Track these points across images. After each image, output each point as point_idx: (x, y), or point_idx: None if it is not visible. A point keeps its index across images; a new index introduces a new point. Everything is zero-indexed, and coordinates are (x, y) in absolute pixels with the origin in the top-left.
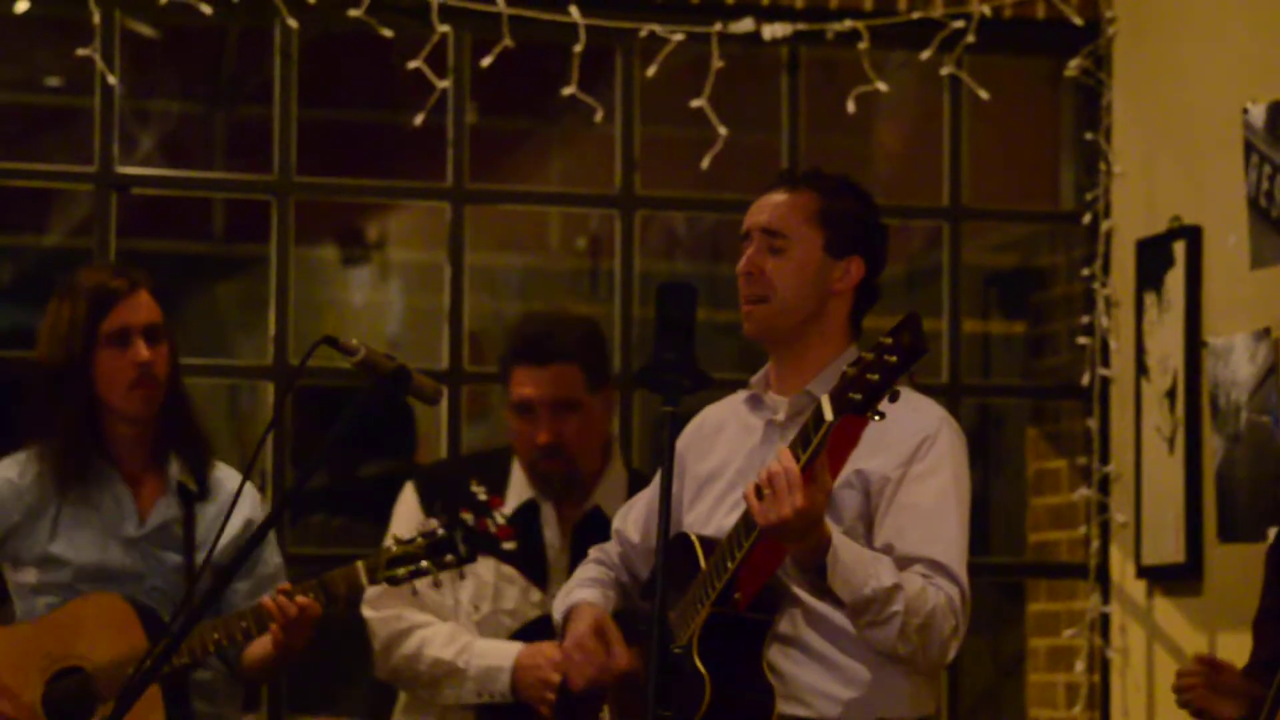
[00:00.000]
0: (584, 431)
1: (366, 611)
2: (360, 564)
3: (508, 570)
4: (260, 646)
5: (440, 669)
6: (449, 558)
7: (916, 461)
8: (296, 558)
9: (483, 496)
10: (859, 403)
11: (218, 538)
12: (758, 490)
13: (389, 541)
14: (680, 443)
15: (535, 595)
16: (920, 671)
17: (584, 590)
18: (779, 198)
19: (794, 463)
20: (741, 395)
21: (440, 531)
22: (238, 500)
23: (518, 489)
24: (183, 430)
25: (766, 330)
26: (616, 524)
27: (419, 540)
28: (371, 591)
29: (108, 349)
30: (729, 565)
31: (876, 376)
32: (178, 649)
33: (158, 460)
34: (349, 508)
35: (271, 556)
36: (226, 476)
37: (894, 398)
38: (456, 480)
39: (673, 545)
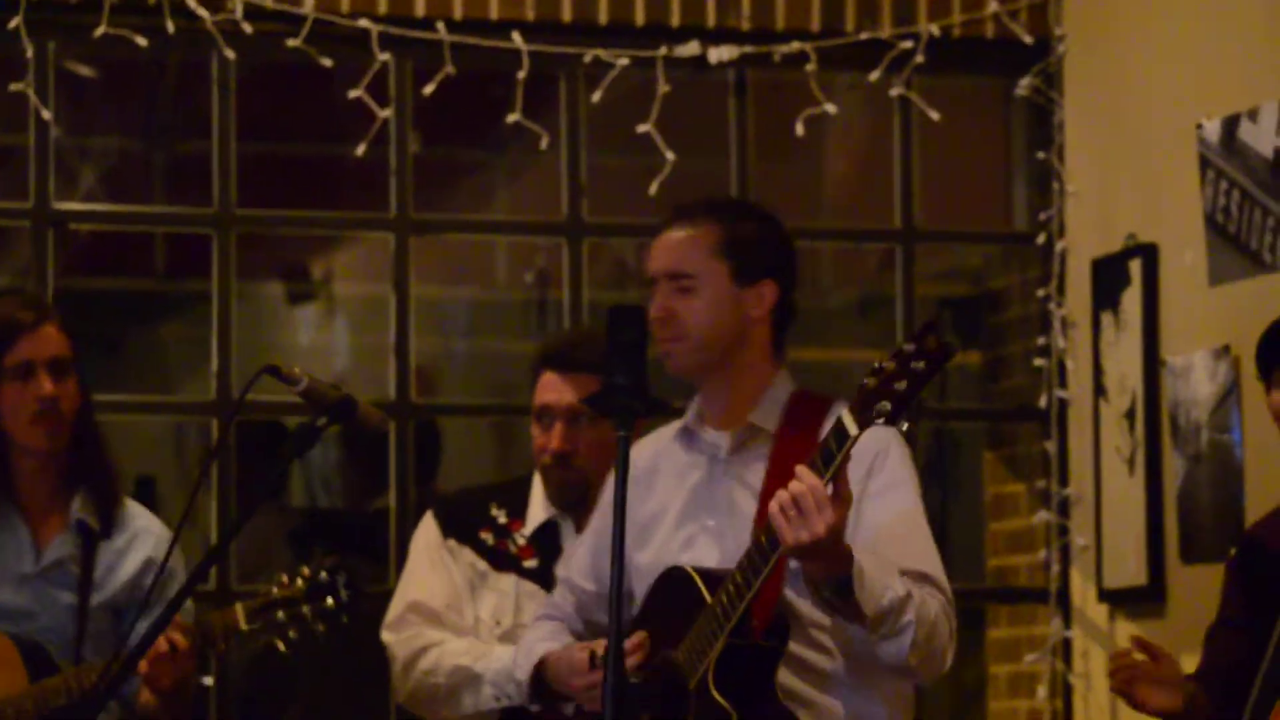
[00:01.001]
0: (599, 446)
1: (386, 636)
2: (239, 606)
3: (528, 585)
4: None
5: (458, 676)
6: (329, 601)
7: (873, 477)
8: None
9: (503, 520)
10: (888, 413)
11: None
12: (782, 511)
13: (273, 584)
14: (612, 482)
15: None
16: (924, 683)
17: (544, 644)
18: (678, 235)
19: (818, 480)
20: (668, 433)
21: (323, 575)
22: (140, 541)
23: (538, 510)
24: (90, 466)
25: (689, 368)
26: (562, 573)
27: (300, 584)
28: (391, 615)
29: (11, 382)
30: (745, 594)
31: (904, 385)
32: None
33: (61, 496)
34: (355, 544)
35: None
36: (135, 515)
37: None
38: (476, 506)
39: (666, 580)
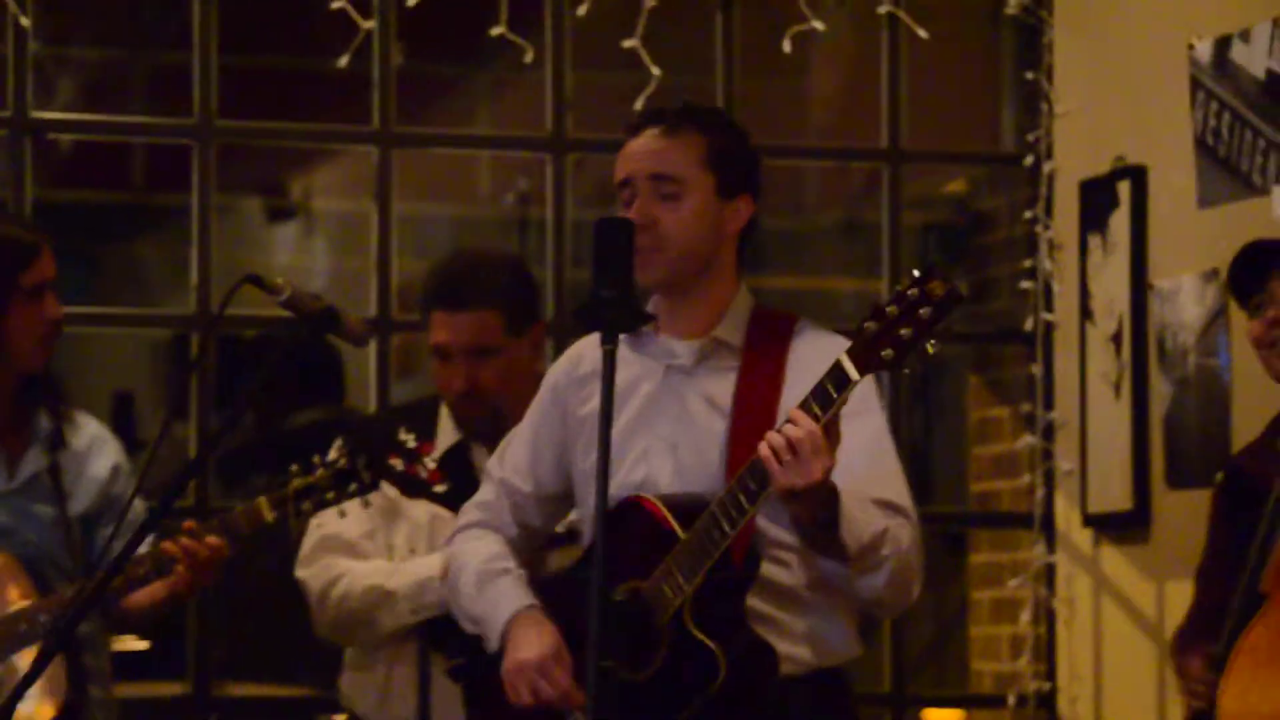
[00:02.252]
0: (505, 375)
1: (299, 572)
2: (263, 499)
3: (442, 511)
4: (148, 593)
5: (371, 596)
6: (353, 486)
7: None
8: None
9: (411, 444)
10: (890, 360)
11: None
12: (774, 455)
13: (292, 476)
14: (556, 382)
15: None
16: (892, 615)
17: (510, 587)
18: (662, 141)
19: (814, 424)
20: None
21: (343, 461)
22: (99, 447)
23: (447, 433)
24: (45, 380)
25: (663, 280)
26: (497, 473)
27: (321, 471)
28: (303, 549)
29: (23, 303)
30: (728, 530)
31: (909, 332)
32: (90, 604)
33: (23, 412)
34: (276, 462)
35: (138, 502)
36: (85, 421)
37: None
38: (384, 430)
39: (625, 509)
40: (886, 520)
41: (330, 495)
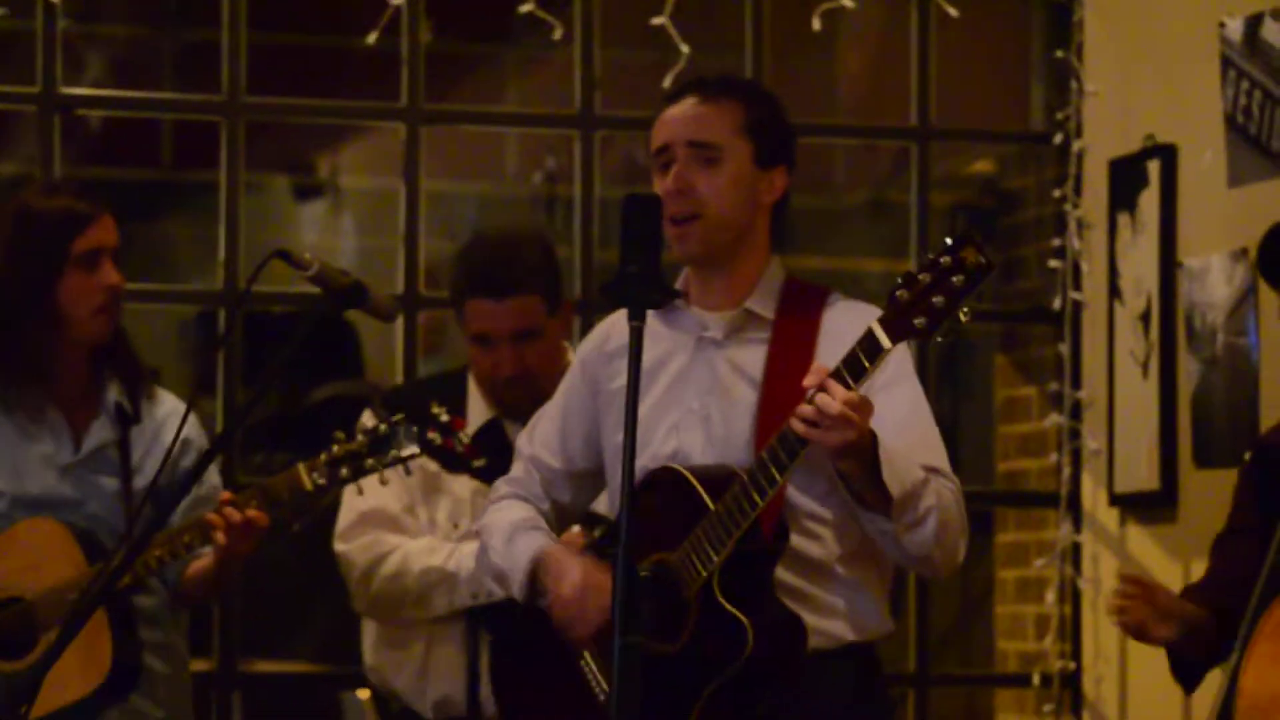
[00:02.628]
0: (546, 356)
1: (339, 546)
2: (302, 466)
3: (484, 487)
4: (200, 564)
5: (430, 577)
6: (394, 453)
7: (880, 371)
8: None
9: (444, 418)
10: (923, 328)
11: (166, 458)
12: (811, 424)
13: (332, 442)
14: (586, 358)
15: None
16: (941, 575)
17: (538, 537)
18: (701, 108)
19: (848, 393)
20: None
21: (383, 427)
22: (183, 420)
23: (477, 409)
24: (120, 353)
25: (703, 250)
26: (527, 450)
27: (361, 438)
28: (341, 524)
29: (77, 271)
30: (758, 500)
31: (941, 300)
32: (122, 571)
33: (95, 385)
34: (296, 441)
35: (209, 476)
36: (163, 398)
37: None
38: (416, 402)
39: (655, 480)
40: (928, 475)
41: (370, 462)
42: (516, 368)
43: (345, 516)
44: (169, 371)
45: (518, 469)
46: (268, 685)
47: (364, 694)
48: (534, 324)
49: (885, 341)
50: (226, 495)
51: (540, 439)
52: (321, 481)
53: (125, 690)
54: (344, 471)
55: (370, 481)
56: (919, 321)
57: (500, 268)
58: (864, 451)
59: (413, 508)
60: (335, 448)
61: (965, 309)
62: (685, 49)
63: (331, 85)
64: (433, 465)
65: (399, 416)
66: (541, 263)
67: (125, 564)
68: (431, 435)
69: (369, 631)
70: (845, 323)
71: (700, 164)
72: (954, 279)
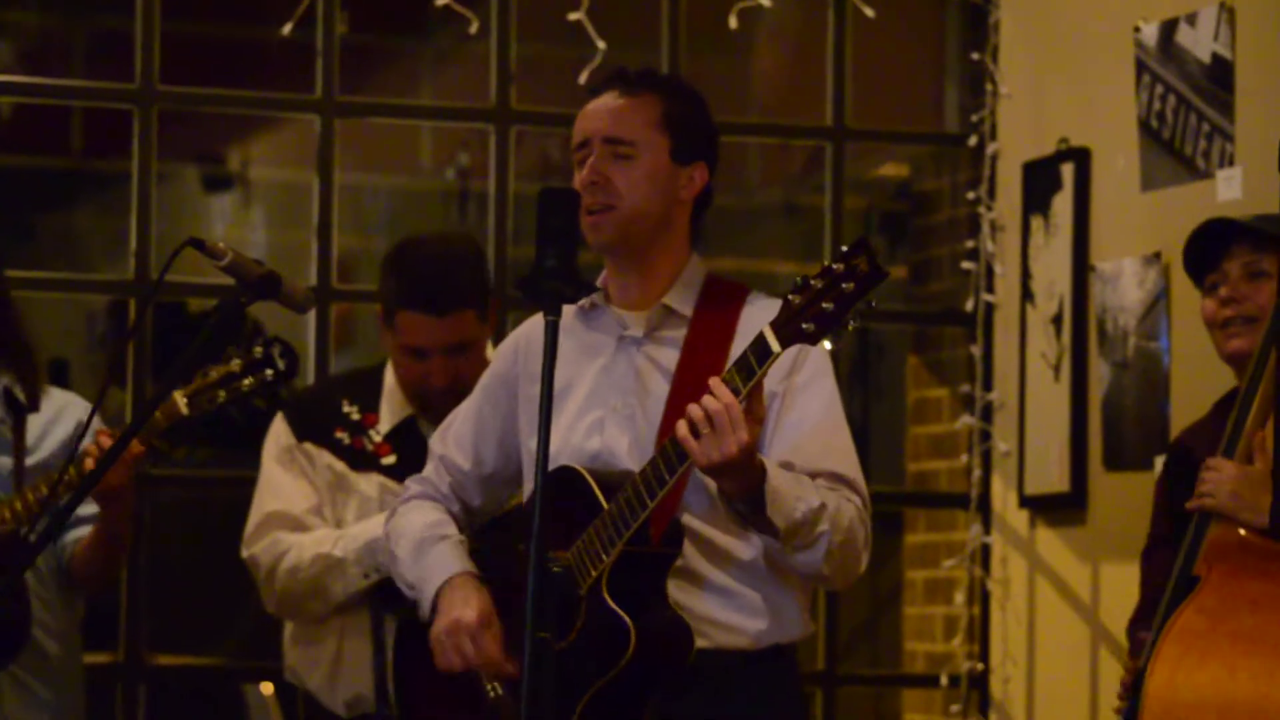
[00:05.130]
0: (477, 362)
1: (245, 552)
2: (178, 392)
3: (392, 484)
4: (87, 544)
5: (319, 564)
6: (269, 373)
7: (796, 373)
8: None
9: (355, 416)
10: (811, 333)
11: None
12: (692, 429)
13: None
14: (502, 361)
15: None
16: (836, 589)
17: (446, 552)
18: (619, 103)
19: (733, 397)
20: (565, 309)
21: (258, 349)
22: (93, 412)
23: (392, 405)
24: (10, 342)
25: (616, 239)
26: (438, 450)
27: (236, 361)
28: (247, 528)
29: None
30: (648, 502)
31: (831, 305)
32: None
33: None
34: (216, 437)
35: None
36: (56, 393)
37: (839, 329)
38: (328, 403)
39: (556, 478)
40: (827, 495)
41: (246, 383)
42: (450, 379)
43: (251, 520)
44: (78, 363)
45: (429, 468)
46: (171, 678)
47: (267, 687)
48: (469, 337)
49: (775, 346)
50: (104, 430)
51: (453, 440)
52: (197, 406)
53: (7, 650)
54: (220, 394)
55: (275, 482)
56: (808, 326)
57: (438, 283)
58: (744, 473)
59: (320, 508)
60: (212, 371)
61: (852, 318)
62: (601, 45)
63: (245, 76)
64: (340, 464)
65: (273, 339)
66: (478, 276)
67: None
68: (340, 434)
69: (286, 630)
70: (762, 321)
71: (615, 159)
72: (844, 285)
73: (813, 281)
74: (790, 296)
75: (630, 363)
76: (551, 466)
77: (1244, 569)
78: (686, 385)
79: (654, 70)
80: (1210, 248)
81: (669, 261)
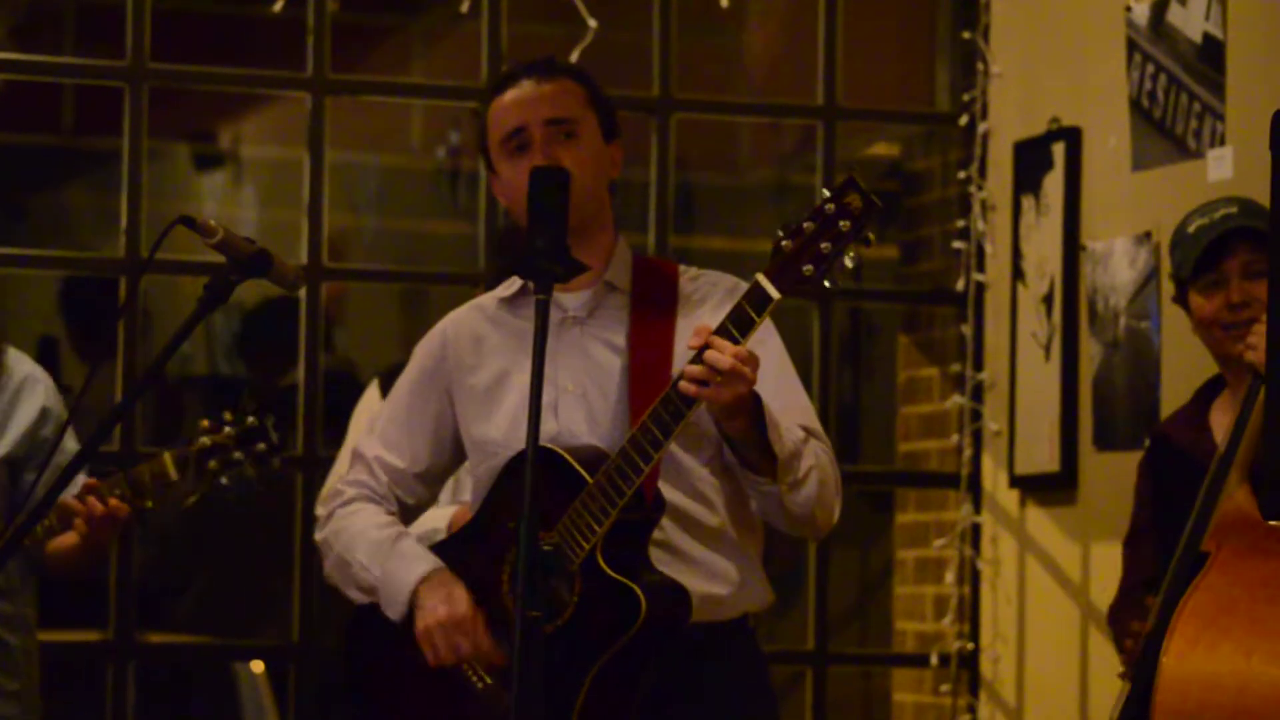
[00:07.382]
0: None
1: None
2: (168, 455)
3: None
4: (66, 540)
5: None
6: (260, 446)
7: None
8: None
9: None
10: (811, 275)
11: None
12: (699, 382)
13: (198, 433)
14: (426, 359)
15: None
16: (818, 537)
17: (412, 549)
18: (545, 87)
19: (735, 346)
20: (487, 301)
21: (250, 419)
22: (30, 389)
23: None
24: None
25: (576, 221)
26: (370, 452)
27: (229, 430)
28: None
29: None
30: (642, 465)
31: (829, 245)
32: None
33: None
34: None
35: (67, 443)
36: (17, 360)
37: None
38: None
39: (520, 463)
40: (806, 435)
41: (237, 454)
42: None
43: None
44: (66, 339)
45: (359, 471)
46: (162, 656)
47: (258, 666)
48: None
49: (773, 293)
50: (91, 483)
51: (381, 441)
52: (187, 473)
53: None
54: (211, 463)
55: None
56: (807, 269)
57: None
58: (753, 410)
59: None
60: (204, 438)
61: (852, 254)
62: (593, 23)
63: (236, 53)
64: None
65: (266, 409)
66: None
67: (16, 539)
68: None
69: None
70: (702, 286)
71: (561, 139)
72: (840, 224)
73: (805, 225)
74: (782, 243)
75: (575, 343)
76: (509, 455)
77: (1255, 548)
78: (642, 356)
79: (554, 57)
80: (1210, 250)
81: (604, 241)
